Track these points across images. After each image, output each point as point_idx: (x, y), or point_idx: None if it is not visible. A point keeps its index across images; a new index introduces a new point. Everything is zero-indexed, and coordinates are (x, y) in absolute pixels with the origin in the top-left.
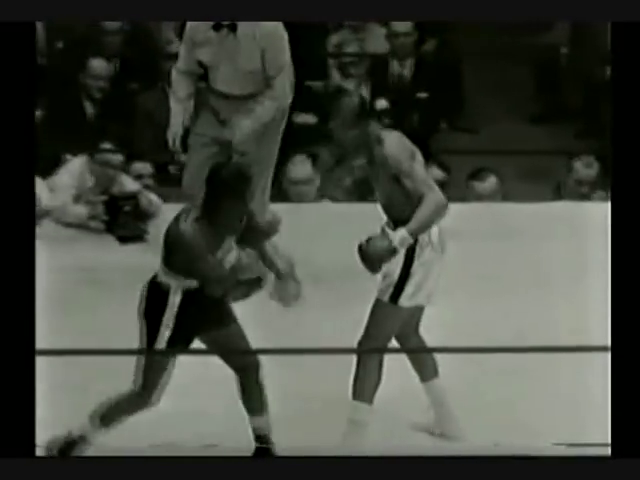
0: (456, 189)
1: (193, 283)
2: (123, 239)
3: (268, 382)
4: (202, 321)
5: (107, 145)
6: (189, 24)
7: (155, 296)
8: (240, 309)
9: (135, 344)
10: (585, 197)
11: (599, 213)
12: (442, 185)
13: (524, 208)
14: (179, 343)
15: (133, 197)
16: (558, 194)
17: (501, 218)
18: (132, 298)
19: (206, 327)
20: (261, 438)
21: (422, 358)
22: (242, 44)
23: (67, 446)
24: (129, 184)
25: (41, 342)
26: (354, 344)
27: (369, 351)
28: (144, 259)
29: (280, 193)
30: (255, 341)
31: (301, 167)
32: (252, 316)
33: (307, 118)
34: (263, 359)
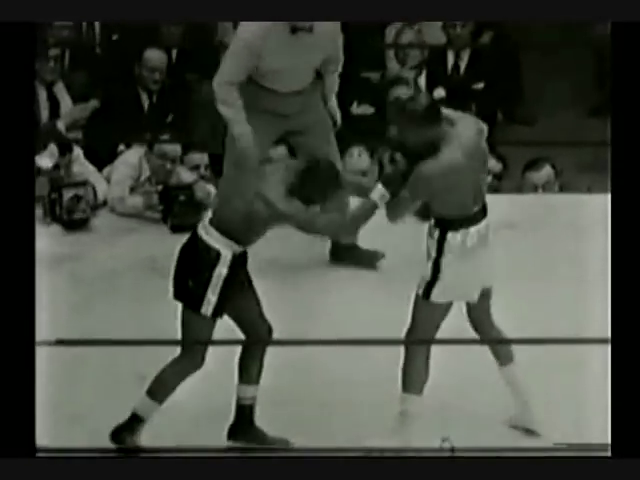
0: (512, 181)
1: (240, 248)
2: (176, 228)
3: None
4: (237, 285)
5: (164, 136)
6: (242, 35)
7: (200, 259)
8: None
9: None
10: None
11: None
12: (499, 177)
13: (582, 199)
14: (221, 306)
15: (188, 187)
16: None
17: (556, 209)
18: None
19: (237, 290)
20: (244, 408)
21: (501, 347)
22: (306, 44)
23: (124, 428)
24: (186, 175)
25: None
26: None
27: (415, 342)
28: None
29: None
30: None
31: (358, 159)
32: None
33: (365, 109)
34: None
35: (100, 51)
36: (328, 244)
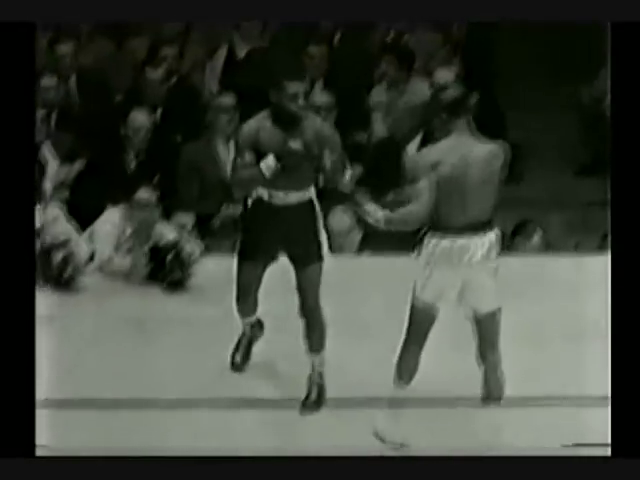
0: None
1: None
2: (169, 285)
3: None
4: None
5: (145, 194)
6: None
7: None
8: None
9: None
10: None
11: None
12: None
13: (568, 260)
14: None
15: (175, 245)
16: (604, 246)
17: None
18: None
19: None
20: (317, 375)
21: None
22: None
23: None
24: (167, 232)
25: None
26: None
27: None
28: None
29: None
30: None
31: (341, 218)
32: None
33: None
34: None
35: (86, 112)
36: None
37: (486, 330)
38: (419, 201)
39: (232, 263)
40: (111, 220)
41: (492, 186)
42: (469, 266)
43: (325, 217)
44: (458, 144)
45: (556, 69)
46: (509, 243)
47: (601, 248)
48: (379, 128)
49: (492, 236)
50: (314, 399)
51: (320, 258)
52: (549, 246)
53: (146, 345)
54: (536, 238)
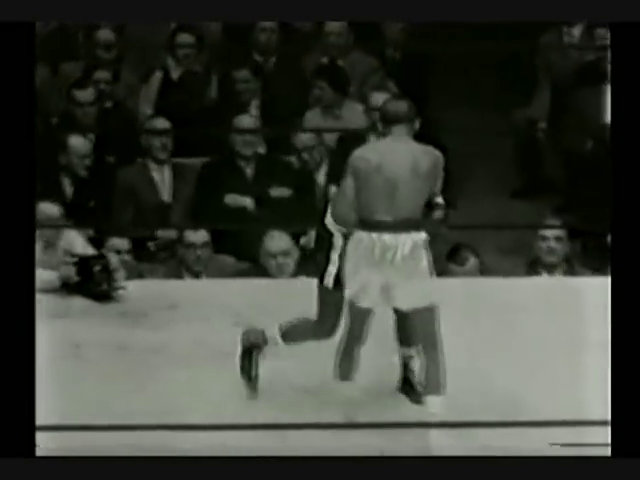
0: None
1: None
2: (100, 297)
3: None
4: None
5: (47, 204)
6: None
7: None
8: None
9: None
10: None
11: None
12: None
13: (502, 283)
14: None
15: (102, 257)
16: (534, 269)
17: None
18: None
19: None
20: (407, 366)
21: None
22: None
23: (250, 346)
24: (78, 244)
25: None
26: None
27: None
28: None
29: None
30: None
31: (279, 240)
32: None
33: (282, 192)
34: None
35: None
36: None
37: (415, 327)
38: (344, 200)
39: (168, 287)
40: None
41: (421, 184)
42: (392, 264)
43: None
44: (391, 142)
45: (491, 94)
46: (444, 268)
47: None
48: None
49: (421, 235)
50: None
51: None
52: (484, 271)
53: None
54: (471, 262)
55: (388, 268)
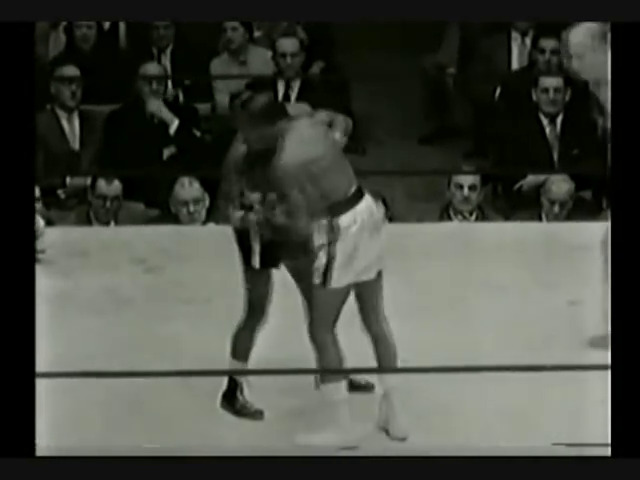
0: None
1: None
2: None
3: None
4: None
5: None
6: None
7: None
8: None
9: None
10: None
11: (489, 232)
12: None
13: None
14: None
15: None
16: (446, 214)
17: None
18: None
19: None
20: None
21: (384, 346)
22: None
23: (227, 395)
24: None
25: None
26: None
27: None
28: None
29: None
30: None
31: (190, 188)
32: None
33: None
34: None
35: None
36: None
37: (367, 298)
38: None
39: (77, 234)
40: None
41: (339, 154)
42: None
43: None
44: (295, 127)
45: (399, 38)
46: None
47: (442, 218)
48: (222, 99)
49: (367, 201)
50: None
51: None
52: (393, 218)
53: None
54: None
55: (368, 236)
